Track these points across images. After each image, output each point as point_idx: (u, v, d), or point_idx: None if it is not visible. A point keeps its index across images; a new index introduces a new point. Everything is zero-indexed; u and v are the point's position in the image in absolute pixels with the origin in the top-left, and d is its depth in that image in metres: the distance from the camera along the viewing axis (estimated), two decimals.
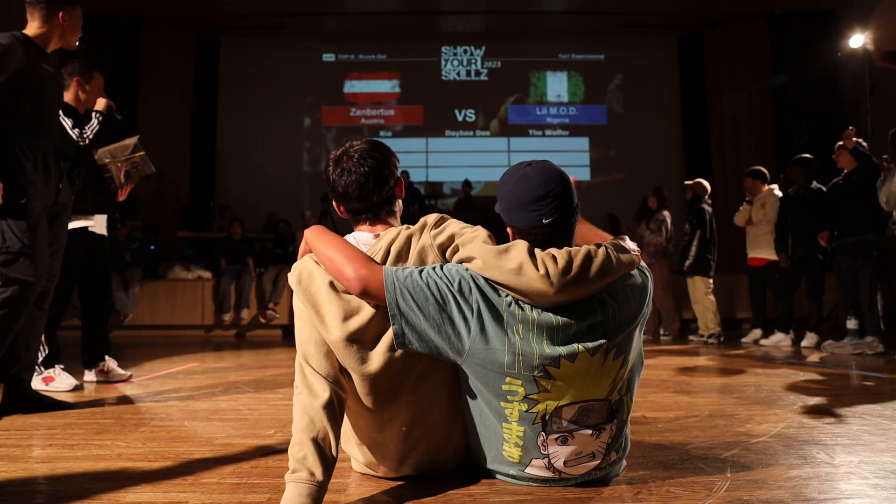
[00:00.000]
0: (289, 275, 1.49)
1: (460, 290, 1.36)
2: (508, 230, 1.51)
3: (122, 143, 3.24)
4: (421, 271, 1.38)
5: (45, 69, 2.49)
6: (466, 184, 9.11)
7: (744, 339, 5.55)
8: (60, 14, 2.56)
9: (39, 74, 2.45)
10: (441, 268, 1.40)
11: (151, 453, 1.81)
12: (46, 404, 2.48)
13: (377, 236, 1.50)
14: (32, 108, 2.40)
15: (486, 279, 1.38)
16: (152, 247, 7.80)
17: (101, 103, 3.24)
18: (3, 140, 2.32)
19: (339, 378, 1.39)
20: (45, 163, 2.44)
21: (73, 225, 3.03)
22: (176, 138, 9.18)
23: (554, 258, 1.35)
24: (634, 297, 1.42)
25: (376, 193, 1.52)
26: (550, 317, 1.34)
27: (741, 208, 5.67)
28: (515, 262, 1.33)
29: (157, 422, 2.27)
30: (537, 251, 1.37)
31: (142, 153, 3.26)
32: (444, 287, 1.36)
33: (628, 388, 1.44)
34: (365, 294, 1.36)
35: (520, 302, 1.36)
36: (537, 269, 1.32)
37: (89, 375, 3.31)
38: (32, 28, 2.53)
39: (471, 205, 8.70)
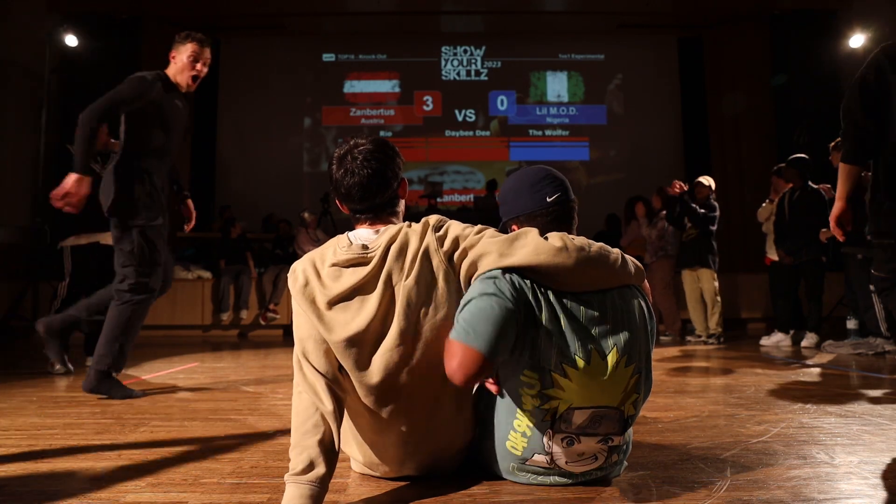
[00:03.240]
0: (288, 274, 1.48)
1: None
2: (514, 228, 1.52)
3: None
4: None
5: (177, 104, 2.94)
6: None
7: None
8: (170, 54, 2.98)
9: (170, 108, 2.89)
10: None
11: (151, 453, 1.81)
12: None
13: (377, 232, 1.50)
14: (164, 137, 2.86)
15: (503, 270, 1.35)
16: None
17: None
18: (141, 164, 2.79)
19: (337, 376, 1.39)
20: (168, 182, 2.99)
21: (84, 241, 3.63)
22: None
23: (571, 238, 1.39)
24: (642, 314, 1.43)
25: (379, 196, 1.49)
26: (569, 309, 1.36)
27: (764, 205, 5.62)
28: (532, 244, 1.36)
29: (157, 422, 2.27)
30: (550, 234, 1.40)
31: None
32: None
33: (638, 401, 1.43)
34: (474, 377, 1.27)
35: (539, 293, 1.35)
36: (554, 244, 1.36)
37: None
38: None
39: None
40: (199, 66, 2.92)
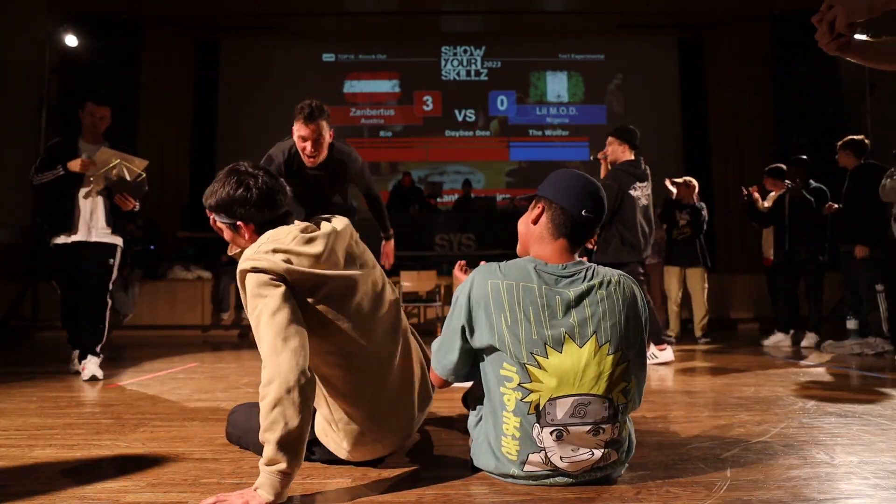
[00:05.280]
0: (251, 274, 1.46)
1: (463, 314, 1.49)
2: (541, 205, 1.54)
3: (101, 157, 3.39)
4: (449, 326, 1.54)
5: (309, 175, 3.00)
6: (466, 183, 9.12)
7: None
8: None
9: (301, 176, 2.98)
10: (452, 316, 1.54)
11: (151, 453, 1.81)
12: None
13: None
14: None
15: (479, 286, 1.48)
16: (152, 247, 7.81)
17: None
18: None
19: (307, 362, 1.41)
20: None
21: (69, 240, 3.47)
22: (176, 138, 9.18)
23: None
24: (633, 303, 1.46)
25: (286, 195, 1.66)
26: (538, 298, 1.41)
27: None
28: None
29: (157, 422, 2.27)
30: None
31: (117, 163, 3.39)
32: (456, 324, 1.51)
33: (628, 390, 1.44)
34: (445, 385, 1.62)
35: (502, 288, 1.43)
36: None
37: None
38: None
39: (469, 205, 8.72)
40: (306, 145, 2.84)
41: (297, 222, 1.61)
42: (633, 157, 4.30)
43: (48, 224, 3.60)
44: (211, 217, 1.69)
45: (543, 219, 1.53)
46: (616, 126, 4.63)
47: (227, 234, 1.68)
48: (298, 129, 2.78)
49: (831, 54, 1.50)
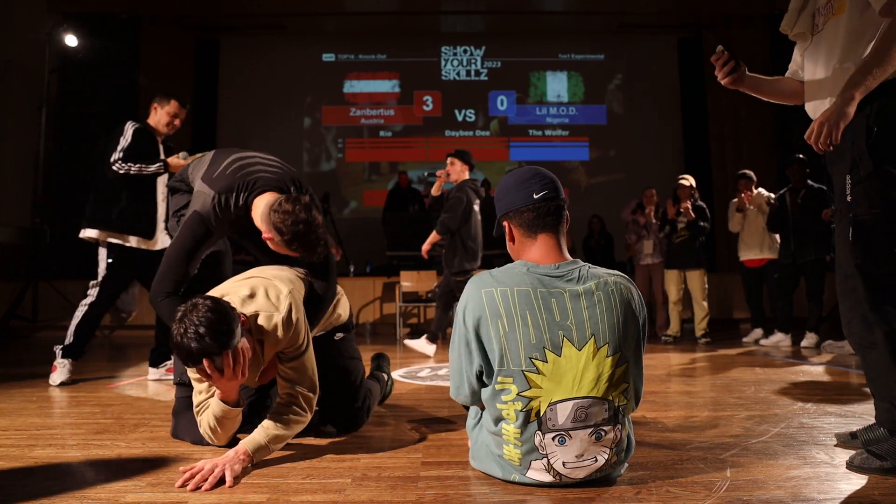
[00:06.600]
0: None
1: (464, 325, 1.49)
2: (505, 224, 1.56)
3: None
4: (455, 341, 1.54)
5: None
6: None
7: (745, 339, 5.55)
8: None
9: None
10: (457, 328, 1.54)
11: (151, 453, 1.81)
12: None
13: None
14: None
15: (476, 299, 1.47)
16: None
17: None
18: None
19: None
20: None
21: (131, 243, 3.27)
22: (176, 138, 9.18)
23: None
24: (630, 306, 1.45)
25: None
26: (535, 303, 1.41)
27: (735, 217, 5.67)
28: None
29: (157, 422, 2.27)
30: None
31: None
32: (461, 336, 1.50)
33: (627, 391, 1.44)
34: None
35: (497, 297, 1.42)
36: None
37: (153, 374, 3.38)
38: None
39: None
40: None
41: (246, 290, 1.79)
42: (468, 177, 4.61)
43: (121, 219, 3.22)
44: (220, 365, 1.59)
45: (514, 232, 1.55)
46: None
47: (244, 367, 1.64)
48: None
49: (728, 87, 1.93)
